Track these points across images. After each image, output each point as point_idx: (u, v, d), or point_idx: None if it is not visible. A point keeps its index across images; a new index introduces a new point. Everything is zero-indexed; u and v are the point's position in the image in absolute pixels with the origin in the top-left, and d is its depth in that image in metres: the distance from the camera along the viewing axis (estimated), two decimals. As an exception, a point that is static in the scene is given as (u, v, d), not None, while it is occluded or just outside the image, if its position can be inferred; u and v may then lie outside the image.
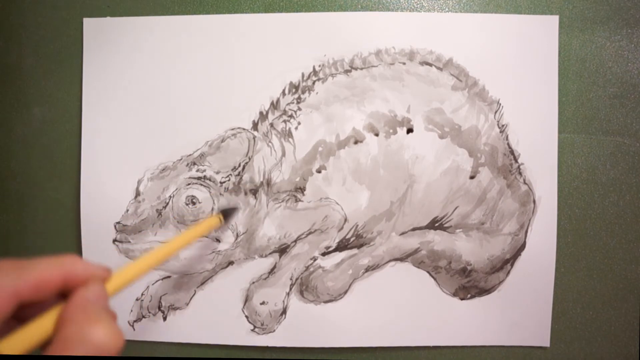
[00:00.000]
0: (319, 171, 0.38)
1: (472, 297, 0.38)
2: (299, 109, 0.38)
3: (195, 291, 0.39)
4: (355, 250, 0.38)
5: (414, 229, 0.38)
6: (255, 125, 0.38)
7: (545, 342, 0.38)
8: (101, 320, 0.17)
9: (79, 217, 0.39)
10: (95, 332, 0.17)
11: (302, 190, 0.38)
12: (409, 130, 0.37)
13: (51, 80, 0.39)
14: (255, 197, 0.38)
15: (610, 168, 0.38)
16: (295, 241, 0.38)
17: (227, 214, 0.37)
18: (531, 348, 0.39)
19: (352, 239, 0.38)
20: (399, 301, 0.38)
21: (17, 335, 0.17)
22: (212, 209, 0.37)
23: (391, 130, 0.37)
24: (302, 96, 0.38)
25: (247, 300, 0.38)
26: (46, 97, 0.39)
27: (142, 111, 0.38)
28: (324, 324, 0.38)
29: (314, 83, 0.38)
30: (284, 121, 0.38)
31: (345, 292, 0.38)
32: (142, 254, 0.38)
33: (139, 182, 0.38)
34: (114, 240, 0.38)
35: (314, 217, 0.38)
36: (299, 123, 0.38)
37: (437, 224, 0.38)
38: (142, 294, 0.39)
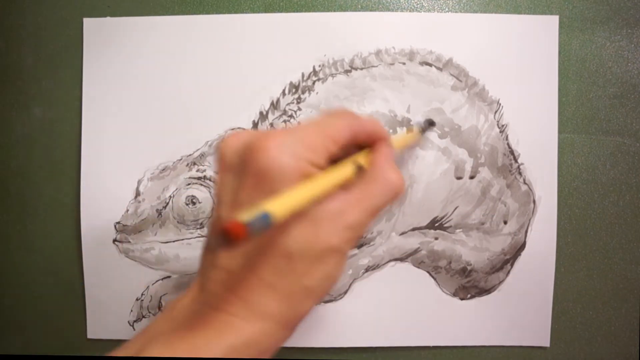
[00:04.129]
0: (319, 171, 0.38)
1: (472, 297, 0.38)
2: (299, 109, 0.38)
3: (195, 291, 0.39)
4: (355, 250, 0.38)
5: (413, 229, 0.38)
6: (255, 125, 0.38)
7: (545, 342, 0.38)
8: (395, 170, 0.23)
9: (79, 217, 0.39)
10: (394, 175, 0.23)
11: (302, 190, 0.38)
12: (409, 131, 0.37)
13: (51, 80, 0.39)
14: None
15: (610, 168, 0.38)
16: (295, 241, 0.38)
17: (426, 125, 0.37)
18: (531, 348, 0.39)
19: (352, 239, 0.38)
20: (399, 301, 0.38)
21: (327, 174, 0.21)
22: (213, 209, 0.37)
23: (391, 130, 0.37)
24: (302, 96, 0.38)
25: (247, 300, 0.38)
26: (46, 97, 0.39)
27: (142, 111, 0.38)
28: (324, 324, 0.38)
29: (314, 83, 0.38)
30: (284, 121, 0.38)
31: (345, 292, 0.38)
32: (142, 254, 0.38)
33: (139, 182, 0.38)
34: (114, 240, 0.38)
35: (314, 217, 0.38)
36: (299, 123, 0.38)
37: (437, 224, 0.38)
38: (142, 294, 0.39)
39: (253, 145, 0.20)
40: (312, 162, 0.21)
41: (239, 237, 0.15)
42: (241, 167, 0.21)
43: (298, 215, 0.20)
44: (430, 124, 0.37)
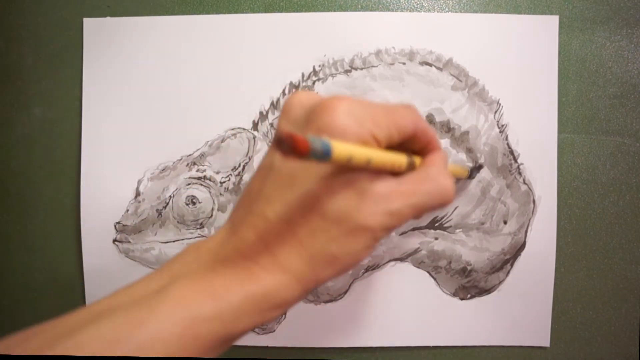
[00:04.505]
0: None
1: (472, 297, 0.38)
2: (299, 109, 0.38)
3: (195, 291, 0.39)
4: (355, 250, 0.38)
5: (413, 229, 0.38)
6: (255, 125, 0.38)
7: (545, 342, 0.38)
8: (450, 175, 0.23)
9: (79, 217, 0.39)
10: (446, 180, 0.23)
11: (302, 190, 0.38)
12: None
13: (51, 80, 0.39)
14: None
15: (610, 168, 0.38)
16: (295, 241, 0.38)
17: (472, 171, 0.37)
18: (531, 348, 0.39)
19: (352, 239, 0.38)
20: (399, 301, 0.38)
21: (384, 151, 0.21)
22: (213, 209, 0.37)
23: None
24: (302, 96, 0.38)
25: (247, 300, 0.38)
26: (46, 97, 0.39)
27: (142, 111, 0.38)
28: (324, 324, 0.38)
29: (314, 83, 0.38)
30: (284, 121, 0.38)
31: (345, 292, 0.38)
32: (142, 254, 0.38)
33: (139, 182, 0.38)
34: (114, 240, 0.38)
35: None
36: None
37: (437, 224, 0.38)
38: (142, 294, 0.39)
39: (322, 103, 0.21)
40: (373, 135, 0.21)
41: (299, 148, 0.15)
42: (305, 123, 0.21)
43: (347, 183, 0.20)
44: (478, 168, 0.37)
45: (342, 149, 0.18)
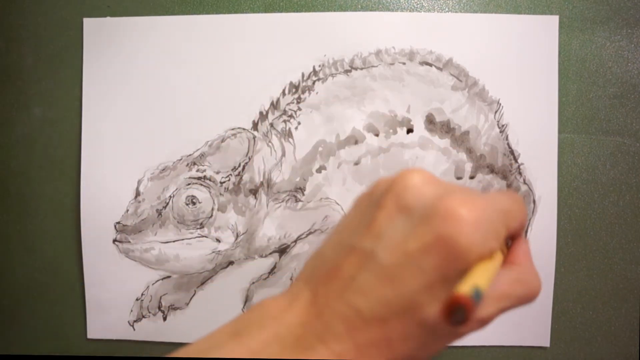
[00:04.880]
0: (319, 171, 0.38)
1: (472, 297, 0.38)
2: (299, 109, 0.38)
3: (195, 291, 0.39)
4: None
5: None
6: (255, 125, 0.38)
7: (545, 342, 0.38)
8: (537, 272, 0.22)
9: (79, 217, 0.39)
10: (537, 280, 0.22)
11: (302, 190, 0.38)
12: (409, 130, 0.37)
13: (51, 80, 0.39)
14: (255, 197, 0.38)
15: (610, 168, 0.38)
16: (296, 241, 0.38)
17: None
18: (531, 348, 0.39)
19: (352, 239, 0.38)
20: (399, 301, 0.38)
21: (494, 259, 0.20)
22: (213, 209, 0.37)
23: (391, 130, 0.37)
24: (302, 96, 0.38)
25: (247, 300, 0.38)
26: (46, 97, 0.39)
27: (142, 111, 0.38)
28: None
29: (314, 83, 0.38)
30: (284, 121, 0.38)
31: (345, 292, 0.38)
32: (142, 254, 0.38)
33: (139, 182, 0.38)
34: (114, 240, 0.38)
35: (314, 217, 0.38)
36: (299, 123, 0.38)
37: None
38: (142, 294, 0.39)
39: (446, 205, 0.18)
40: (491, 249, 0.19)
41: (469, 311, 0.15)
42: (422, 219, 0.19)
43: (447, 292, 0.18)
44: None
45: (485, 285, 0.17)
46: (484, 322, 0.20)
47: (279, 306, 0.21)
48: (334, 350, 0.19)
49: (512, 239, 0.23)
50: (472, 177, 0.38)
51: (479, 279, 0.17)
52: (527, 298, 0.21)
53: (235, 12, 0.38)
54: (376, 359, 0.19)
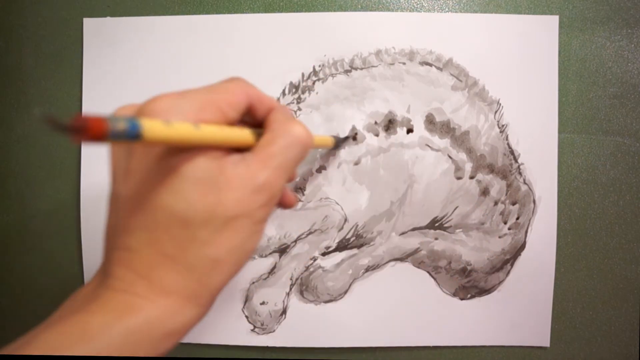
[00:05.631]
0: (319, 171, 0.38)
1: (472, 297, 0.38)
2: (299, 109, 0.38)
3: (195, 291, 0.39)
4: (355, 250, 0.38)
5: (414, 229, 0.38)
6: (255, 125, 0.38)
7: (545, 342, 0.38)
8: (298, 122, 0.22)
9: (79, 217, 0.39)
10: (295, 127, 0.21)
11: (302, 190, 0.38)
12: (409, 130, 0.37)
13: (51, 80, 0.39)
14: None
15: (610, 168, 0.38)
16: (295, 241, 0.38)
17: (338, 142, 0.37)
18: (531, 348, 0.39)
19: (352, 239, 0.38)
20: (399, 301, 0.38)
21: (218, 127, 0.20)
22: None
23: (391, 130, 0.37)
24: (302, 96, 0.38)
25: (247, 300, 0.38)
26: (46, 97, 0.39)
27: (142, 111, 0.38)
28: (324, 324, 0.38)
29: (314, 83, 0.38)
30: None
31: (345, 292, 0.38)
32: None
33: (139, 182, 0.38)
34: (114, 240, 0.38)
35: (314, 217, 0.38)
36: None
37: (437, 224, 0.38)
38: (142, 294, 0.39)
39: (141, 112, 0.19)
40: (204, 121, 0.19)
41: (93, 129, 0.14)
42: None
43: (195, 180, 0.19)
44: (345, 139, 0.37)
45: (156, 127, 0.16)
46: (268, 188, 0.20)
47: (82, 287, 0.22)
48: (125, 290, 0.19)
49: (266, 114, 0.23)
50: (472, 177, 0.38)
51: (160, 122, 0.17)
52: (293, 146, 0.21)
53: (235, 12, 0.38)
54: (168, 279, 0.19)
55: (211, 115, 0.20)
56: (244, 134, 0.21)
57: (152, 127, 0.16)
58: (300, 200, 0.38)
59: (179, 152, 0.19)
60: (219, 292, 0.21)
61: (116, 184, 0.21)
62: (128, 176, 0.20)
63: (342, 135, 0.37)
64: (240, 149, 0.21)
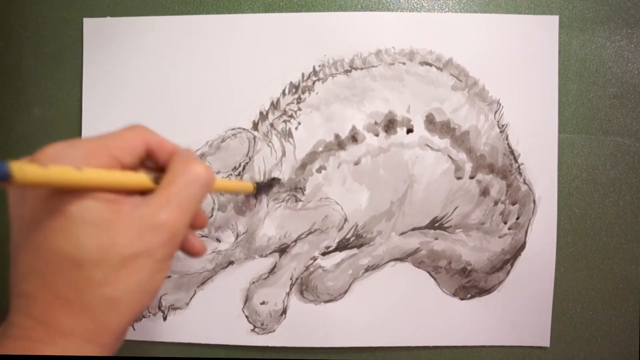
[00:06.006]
0: (319, 171, 0.38)
1: (472, 297, 0.38)
2: (299, 109, 0.38)
3: (195, 291, 0.39)
4: (355, 250, 0.38)
5: (414, 229, 0.38)
6: (255, 125, 0.38)
7: (545, 342, 0.38)
8: (199, 161, 0.23)
9: (79, 217, 0.39)
10: (195, 166, 0.22)
11: (302, 190, 0.38)
12: (409, 130, 0.37)
13: (51, 80, 0.39)
14: (256, 197, 0.38)
15: (610, 168, 0.38)
16: (296, 241, 0.38)
17: (261, 187, 0.37)
18: (531, 348, 0.39)
19: (352, 239, 0.38)
20: (399, 301, 0.38)
21: (109, 171, 0.20)
22: (213, 209, 0.37)
23: (391, 130, 0.37)
24: (302, 96, 0.38)
25: (247, 300, 0.38)
26: (46, 97, 0.39)
27: (142, 111, 0.38)
28: (324, 324, 0.38)
29: (314, 83, 0.38)
30: (284, 121, 0.38)
31: (345, 292, 0.38)
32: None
33: (139, 182, 0.38)
34: (114, 240, 0.38)
35: (314, 217, 0.38)
36: (299, 123, 0.38)
37: (437, 224, 0.38)
38: (142, 294, 0.39)
39: (32, 159, 0.19)
40: (93, 167, 0.20)
41: None
42: None
43: (83, 222, 0.19)
44: (269, 184, 0.37)
45: (29, 170, 0.17)
46: (168, 227, 0.20)
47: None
48: (22, 336, 0.19)
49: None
50: (472, 177, 0.38)
51: (35, 165, 0.17)
52: (192, 184, 0.22)
53: (235, 12, 0.38)
54: (64, 320, 0.19)
55: (101, 160, 0.20)
56: (139, 177, 0.22)
57: (23, 170, 0.16)
58: (300, 201, 0.38)
59: (67, 195, 0.19)
60: (122, 331, 0.21)
61: (13, 230, 0.21)
62: (22, 221, 0.20)
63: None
64: (144, 192, 0.22)
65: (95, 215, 0.19)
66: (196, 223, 0.26)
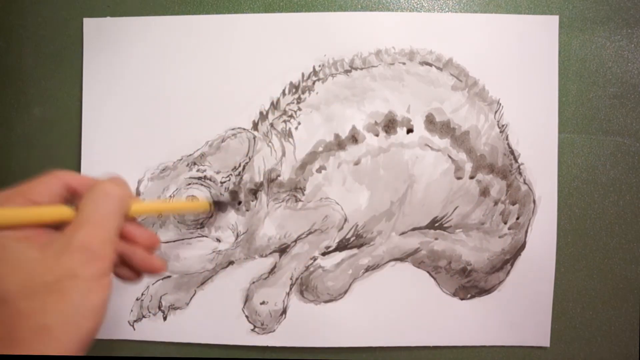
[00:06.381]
0: (319, 171, 0.38)
1: (472, 297, 0.38)
2: (299, 109, 0.38)
3: (195, 291, 0.39)
4: (355, 250, 0.38)
5: (414, 229, 0.38)
6: (255, 125, 0.38)
7: (545, 342, 0.38)
8: (110, 180, 0.24)
9: (79, 217, 0.39)
10: (104, 184, 0.23)
11: (302, 190, 0.38)
12: (409, 130, 0.37)
13: (51, 80, 0.39)
14: (256, 197, 0.38)
15: (610, 168, 0.38)
16: (296, 241, 0.38)
17: (218, 205, 0.37)
18: (531, 348, 0.39)
19: (352, 239, 0.38)
20: (399, 301, 0.38)
21: (39, 208, 0.22)
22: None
23: (391, 130, 0.37)
24: (302, 96, 0.38)
25: (247, 300, 0.38)
26: (46, 97, 0.39)
27: (142, 111, 0.38)
28: (324, 324, 0.38)
29: (314, 83, 0.38)
30: (284, 121, 0.38)
31: (345, 292, 0.38)
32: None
33: (139, 182, 0.38)
34: (114, 240, 0.38)
35: (314, 217, 0.38)
36: (299, 123, 0.38)
37: (437, 224, 0.38)
38: (142, 294, 0.39)
39: None
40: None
41: None
42: None
43: (3, 260, 0.20)
44: (223, 205, 0.37)
45: None
46: (90, 248, 0.21)
47: None
48: None
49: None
50: (472, 177, 0.38)
51: None
52: (108, 203, 0.23)
53: (235, 12, 0.38)
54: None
55: (17, 204, 0.22)
56: (58, 210, 0.22)
57: None
58: (300, 200, 0.38)
59: None
60: (68, 353, 0.20)
61: None
62: None
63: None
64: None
65: (10, 252, 0.20)
66: (144, 242, 0.26)
